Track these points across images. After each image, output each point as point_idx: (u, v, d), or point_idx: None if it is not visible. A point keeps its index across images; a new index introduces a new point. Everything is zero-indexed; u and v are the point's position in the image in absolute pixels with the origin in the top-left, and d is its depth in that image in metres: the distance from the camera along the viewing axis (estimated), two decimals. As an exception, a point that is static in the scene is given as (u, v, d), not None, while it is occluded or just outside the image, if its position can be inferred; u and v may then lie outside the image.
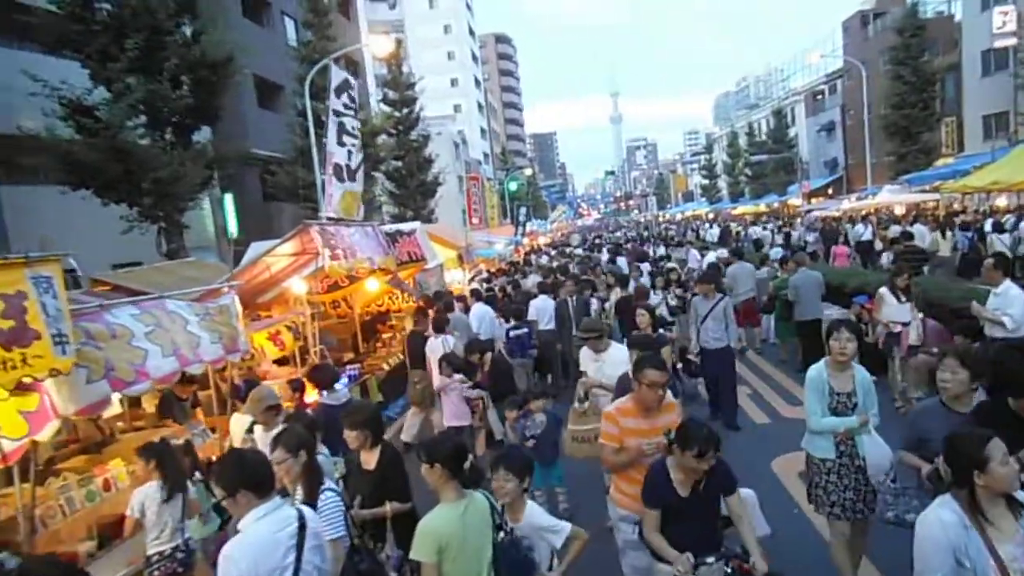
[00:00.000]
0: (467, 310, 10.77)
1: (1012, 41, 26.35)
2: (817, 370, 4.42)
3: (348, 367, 10.23)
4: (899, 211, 25.90)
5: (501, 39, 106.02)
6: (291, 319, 8.25)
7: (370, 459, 3.96)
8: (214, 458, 5.52)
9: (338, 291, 10.90)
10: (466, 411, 6.97)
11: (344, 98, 7.99)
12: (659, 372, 3.84)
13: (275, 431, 4.12)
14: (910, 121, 30.69)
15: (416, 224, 14.04)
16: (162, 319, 4.92)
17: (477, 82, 78.38)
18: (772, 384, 9.66)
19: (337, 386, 6.55)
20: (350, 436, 3.91)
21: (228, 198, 20.83)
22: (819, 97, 51.93)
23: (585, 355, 6.10)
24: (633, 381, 3.98)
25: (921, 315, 7.62)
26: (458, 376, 7.11)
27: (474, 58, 79.29)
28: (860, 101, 36.20)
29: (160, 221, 12.45)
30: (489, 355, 7.18)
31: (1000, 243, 14.17)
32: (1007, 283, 6.18)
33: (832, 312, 10.20)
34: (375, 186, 24.41)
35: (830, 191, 43.56)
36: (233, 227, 20.95)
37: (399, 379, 10.84)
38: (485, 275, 18.75)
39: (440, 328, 8.27)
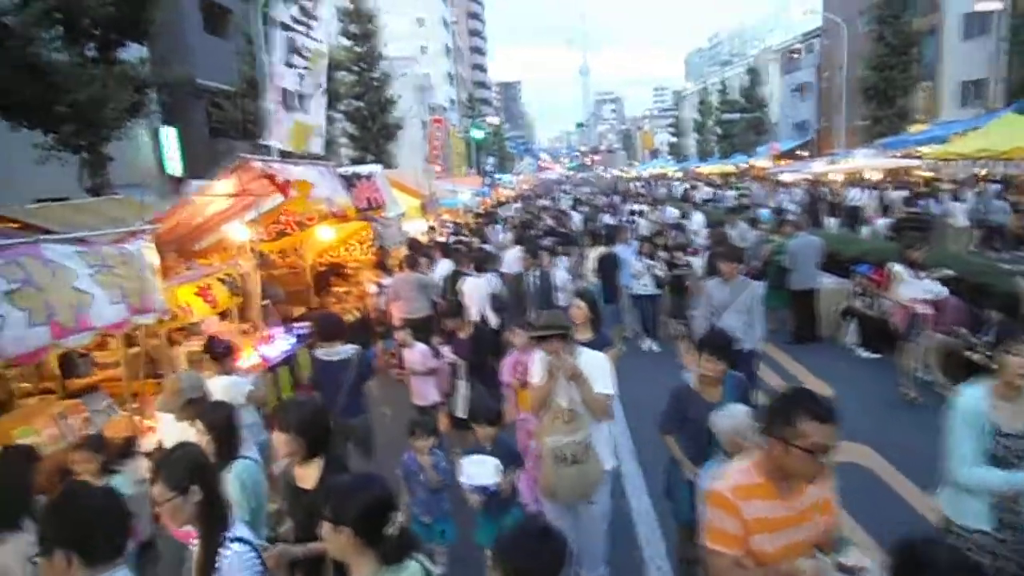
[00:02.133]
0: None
1: (998, 5, 25.63)
2: (973, 398, 3.01)
3: (296, 325, 9.09)
4: (874, 176, 25.37)
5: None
6: (225, 270, 7.02)
7: (306, 475, 2.91)
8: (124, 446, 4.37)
9: (286, 239, 9.63)
10: (431, 389, 5.94)
11: (294, 9, 6.65)
12: (823, 426, 2.26)
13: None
14: (888, 84, 29.96)
15: (376, 167, 12.71)
16: (34, 273, 3.71)
17: (445, 23, 75.06)
18: (763, 358, 8.81)
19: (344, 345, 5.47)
20: (279, 440, 2.85)
21: (168, 131, 19.09)
22: (795, 56, 51.01)
23: (538, 363, 3.93)
24: (762, 436, 2.46)
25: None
26: (420, 347, 6.06)
27: (443, -2, 75.74)
28: (836, 62, 35.45)
29: (82, 151, 10.87)
30: (469, 320, 6.11)
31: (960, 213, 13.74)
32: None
33: (829, 282, 9.46)
34: (332, 126, 22.68)
35: (806, 153, 43.04)
36: (176, 164, 19.24)
37: (357, 338, 9.75)
38: (451, 227, 17.51)
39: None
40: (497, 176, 47.51)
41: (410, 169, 25.88)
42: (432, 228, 15.12)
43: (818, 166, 30.46)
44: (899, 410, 6.61)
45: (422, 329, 7.85)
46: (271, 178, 6.17)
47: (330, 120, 25.06)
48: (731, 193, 29.13)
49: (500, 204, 30.14)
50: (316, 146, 7.46)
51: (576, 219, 18.13)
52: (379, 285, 9.62)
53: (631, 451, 6.16)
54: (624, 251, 10.16)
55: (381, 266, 10.00)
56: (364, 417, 5.49)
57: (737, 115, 45.25)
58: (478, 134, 48.45)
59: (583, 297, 5.06)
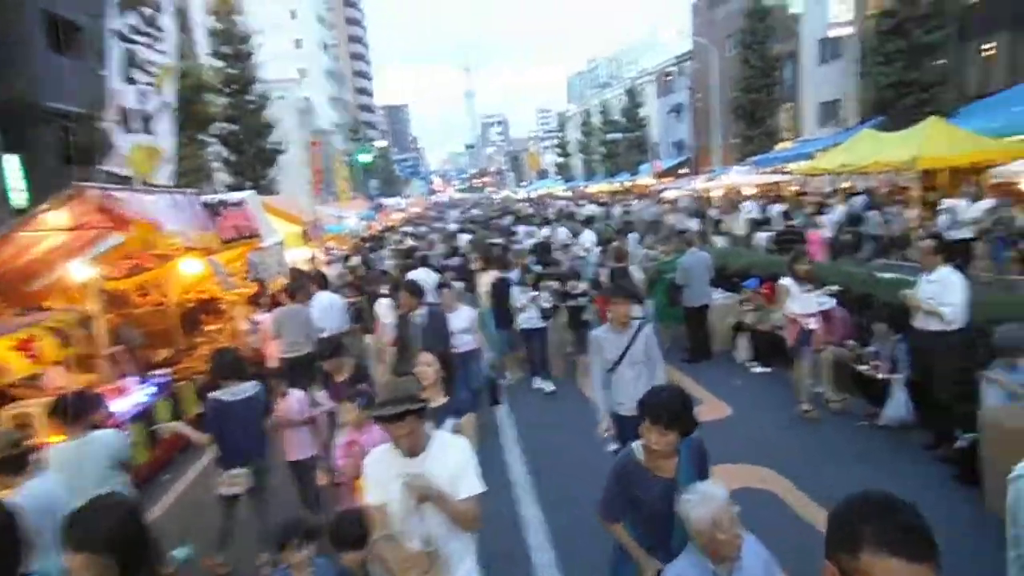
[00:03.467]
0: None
1: (847, 31, 27.83)
2: None
3: (156, 372, 8.05)
4: (748, 191, 26.69)
5: (349, 2, 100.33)
6: (53, 318, 6.01)
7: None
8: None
9: (145, 274, 8.56)
10: (307, 440, 5.25)
11: (133, 18, 5.82)
12: (911, 567, 1.43)
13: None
14: (756, 105, 31.89)
15: (247, 193, 11.76)
16: None
17: (324, 46, 73.37)
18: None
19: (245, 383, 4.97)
20: (73, 564, 2.14)
21: (10, 159, 17.20)
22: (669, 78, 53.51)
23: (377, 466, 2.86)
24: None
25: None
26: (296, 393, 5.37)
27: (320, 19, 74.03)
28: (708, 83, 37.41)
29: None
30: (346, 360, 5.44)
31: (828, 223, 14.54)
32: (946, 269, 5.44)
33: (718, 297, 9.50)
34: (203, 150, 21.21)
35: (686, 171, 44.97)
36: (20, 195, 17.26)
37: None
38: (336, 254, 16.61)
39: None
40: (383, 200, 46.50)
41: (291, 195, 24.68)
42: (313, 257, 14.20)
43: (698, 183, 31.79)
44: (797, 427, 6.57)
45: (304, 369, 7.13)
46: (108, 212, 5.31)
47: (202, 144, 23.58)
48: (617, 210, 29.72)
49: (388, 229, 29.32)
50: (164, 173, 6.59)
51: (463, 241, 17.65)
52: (252, 322, 8.74)
53: (534, 497, 5.72)
54: (513, 278, 9.39)
55: (254, 300, 9.11)
56: (265, 460, 5.07)
57: (619, 135, 46.77)
58: (365, 158, 47.37)
59: (432, 350, 4.23)
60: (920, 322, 5.50)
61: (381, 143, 74.27)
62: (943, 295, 5.27)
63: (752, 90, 31.83)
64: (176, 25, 6.45)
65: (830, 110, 30.46)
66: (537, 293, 8.59)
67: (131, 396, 7.20)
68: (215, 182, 26.52)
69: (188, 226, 6.90)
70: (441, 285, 7.92)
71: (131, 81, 5.81)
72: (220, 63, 26.10)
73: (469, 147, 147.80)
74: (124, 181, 6.29)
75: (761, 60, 31.64)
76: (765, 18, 31.74)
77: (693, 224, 21.63)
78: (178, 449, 7.37)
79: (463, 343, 6.89)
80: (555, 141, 78.70)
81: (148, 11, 5.94)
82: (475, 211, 46.87)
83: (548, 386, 8.57)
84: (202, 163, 20.30)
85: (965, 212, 12.07)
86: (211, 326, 10.73)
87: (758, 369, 8.37)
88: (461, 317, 7.02)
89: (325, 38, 75.28)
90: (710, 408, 7.21)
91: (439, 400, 4.02)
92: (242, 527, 4.95)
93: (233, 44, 26.06)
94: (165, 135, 6.35)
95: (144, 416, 7.09)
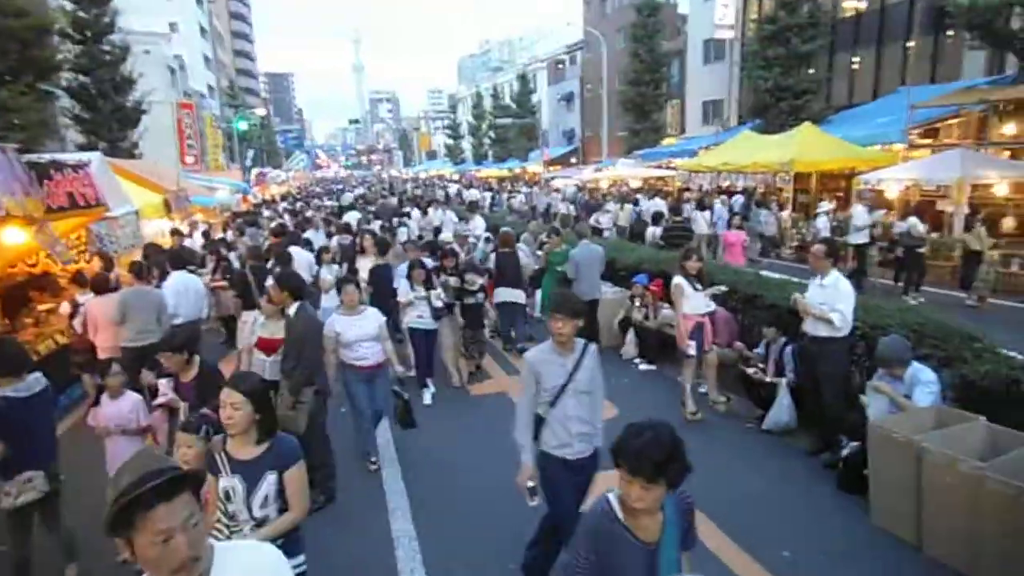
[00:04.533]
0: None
1: (730, 34, 28.94)
2: None
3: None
4: (634, 184, 27.25)
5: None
6: None
7: None
8: None
9: (-56, 247, 7.16)
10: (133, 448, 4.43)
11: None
12: None
13: None
14: (644, 99, 32.64)
15: (93, 155, 10.31)
16: None
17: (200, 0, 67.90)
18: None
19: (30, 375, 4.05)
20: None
21: None
22: (560, 67, 53.92)
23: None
24: None
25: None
26: (130, 396, 4.52)
27: (196, -29, 68.39)
28: (598, 75, 37.90)
29: None
30: (196, 358, 4.61)
31: (703, 221, 14.91)
32: (835, 274, 5.40)
33: (607, 291, 9.34)
34: (46, 102, 18.74)
35: (573, 160, 45.51)
36: None
37: (58, 370, 7.59)
38: (201, 227, 15.15)
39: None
40: (264, 170, 43.77)
41: (157, 160, 22.42)
42: (176, 231, 12.80)
43: (586, 173, 32.15)
44: (682, 429, 6.29)
45: (153, 361, 6.18)
46: None
47: (47, 96, 20.85)
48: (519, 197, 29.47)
49: (265, 203, 27.47)
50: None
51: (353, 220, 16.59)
52: (74, 304, 7.58)
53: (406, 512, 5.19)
54: (396, 270, 8.52)
55: (77, 279, 7.92)
56: (58, 465, 4.18)
57: (509, 120, 46.59)
58: (243, 125, 44.24)
59: (239, 387, 2.88)
60: (809, 327, 5.45)
61: (261, 111, 69.79)
62: (834, 301, 5.23)
63: (640, 84, 32.53)
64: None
65: (713, 109, 31.66)
66: (424, 292, 7.45)
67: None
68: (67, 141, 23.68)
69: (3, 189, 5.73)
70: (342, 282, 6.19)
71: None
72: (71, 5, 23.15)
73: (354, 122, 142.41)
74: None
75: (650, 55, 32.36)
76: (654, 14, 32.42)
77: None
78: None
79: (370, 355, 5.68)
80: (446, 122, 77.55)
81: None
82: (360, 189, 45.20)
83: (428, 398, 7.62)
84: (45, 117, 17.87)
85: (862, 218, 12.30)
86: (43, 305, 9.32)
87: (644, 367, 8.27)
88: (368, 322, 5.69)
89: (201, -9, 69.72)
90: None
91: (251, 451, 2.89)
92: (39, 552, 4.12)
93: (87, -15, 23.19)
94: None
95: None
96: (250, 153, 32.10)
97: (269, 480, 2.85)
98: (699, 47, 32.47)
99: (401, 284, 7.70)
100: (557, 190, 30.44)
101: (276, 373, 5.30)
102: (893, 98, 20.12)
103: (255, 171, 40.12)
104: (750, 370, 6.24)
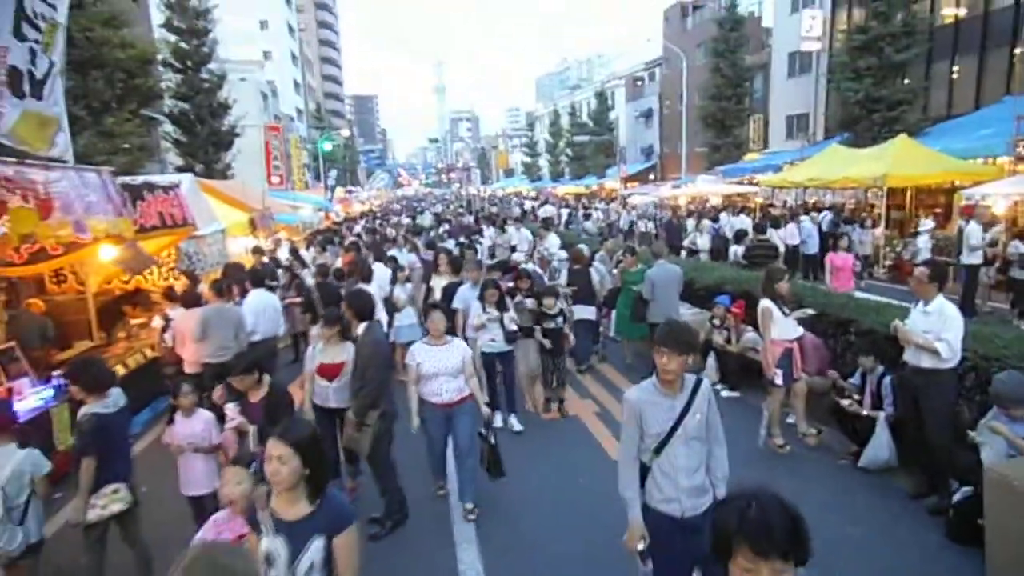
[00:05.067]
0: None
1: (817, 45, 27.86)
2: None
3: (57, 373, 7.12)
4: (715, 200, 26.46)
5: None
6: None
7: None
8: None
9: (45, 262, 7.58)
10: (211, 470, 4.46)
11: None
12: None
13: None
14: (725, 114, 31.79)
15: (183, 177, 10.83)
16: None
17: (291, 29, 71.46)
18: (621, 396, 7.96)
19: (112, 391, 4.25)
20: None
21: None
22: (639, 83, 53.41)
23: None
24: None
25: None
26: (202, 414, 4.57)
27: (287, 2, 72.08)
28: (677, 91, 37.24)
29: None
30: (266, 378, 4.62)
31: (777, 239, 14.13)
32: (941, 299, 4.91)
33: (686, 313, 8.95)
34: (147, 128, 19.95)
35: (651, 177, 44.85)
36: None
37: (146, 383, 7.92)
38: (286, 244, 15.64)
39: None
40: (349, 189, 45.29)
41: (248, 181, 23.50)
42: (257, 249, 13.23)
43: (665, 190, 31.51)
44: (770, 461, 6.01)
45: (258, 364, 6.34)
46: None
47: (149, 122, 22.28)
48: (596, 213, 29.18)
49: (346, 220, 28.27)
50: (60, 145, 5.70)
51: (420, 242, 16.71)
52: (165, 318, 7.87)
53: (472, 543, 5.03)
54: (468, 291, 7.76)
55: (168, 294, 8.22)
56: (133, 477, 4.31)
57: (587, 138, 46.40)
58: (327, 146, 45.98)
59: (286, 438, 2.56)
60: (911, 356, 4.97)
61: (346, 132, 72.42)
62: (939, 329, 4.75)
63: (721, 99, 31.73)
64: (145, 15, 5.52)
65: (798, 123, 30.49)
66: (497, 312, 6.97)
67: (21, 401, 6.29)
68: (166, 163, 25.20)
69: (95, 210, 6.01)
70: (430, 307, 5.77)
71: (20, 37, 4.91)
72: (173, 37, 24.73)
73: (433, 141, 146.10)
74: (17, 154, 5.36)
75: (732, 70, 31.55)
76: (736, 28, 31.64)
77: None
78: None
79: (446, 391, 5.20)
80: (523, 140, 78.13)
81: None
82: (438, 207, 45.99)
83: (516, 423, 7.22)
84: (146, 142, 19.01)
85: (977, 236, 11.11)
86: (136, 319, 9.77)
87: (726, 393, 7.83)
88: (451, 354, 5.23)
89: (292, 20, 73.36)
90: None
91: (298, 511, 2.60)
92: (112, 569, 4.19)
93: (187, 18, 24.70)
94: (52, 100, 5.44)
95: (37, 424, 6.19)
96: (332, 173, 33.27)
97: (316, 546, 2.54)
98: (784, 60, 31.39)
99: (473, 305, 7.23)
100: (634, 207, 29.94)
101: (341, 399, 5.24)
102: (997, 108, 18.73)
103: (339, 190, 41.51)
104: (845, 402, 5.74)
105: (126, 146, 17.28)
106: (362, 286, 8.99)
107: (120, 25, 17.85)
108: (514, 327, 7.05)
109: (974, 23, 21.85)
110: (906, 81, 21.89)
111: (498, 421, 7.03)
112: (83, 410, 4.04)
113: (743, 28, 32.13)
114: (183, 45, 24.77)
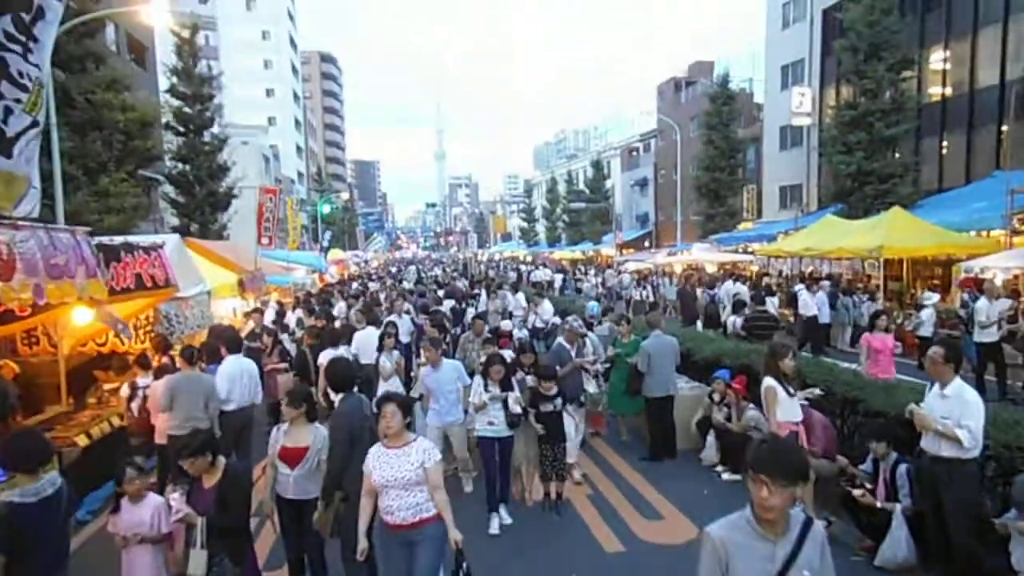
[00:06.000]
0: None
1: (807, 120, 28.41)
2: None
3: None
4: (711, 269, 26.38)
5: (327, 58, 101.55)
6: None
7: None
8: None
9: (12, 323, 7.22)
10: (157, 564, 4.00)
11: (6, 23, 4.83)
12: None
13: None
14: (719, 184, 32.21)
15: (168, 237, 10.62)
16: None
17: (296, 96, 73.30)
18: (617, 479, 7.49)
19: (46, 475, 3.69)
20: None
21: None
22: (634, 153, 54.42)
23: None
24: None
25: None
26: (152, 499, 4.15)
27: (294, 71, 74.19)
28: (671, 161, 37.82)
29: None
30: (221, 460, 4.20)
31: (771, 307, 13.91)
32: (959, 382, 4.58)
33: (683, 386, 8.59)
34: (142, 188, 19.95)
35: (646, 244, 45.07)
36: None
37: (111, 454, 7.42)
38: (273, 306, 15.31)
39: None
40: (355, 254, 45.43)
41: (245, 242, 23.43)
42: (258, 310, 12.90)
43: (660, 257, 31.52)
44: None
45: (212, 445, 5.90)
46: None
47: (148, 182, 22.34)
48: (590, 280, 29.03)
49: (340, 282, 28.07)
50: (28, 205, 5.45)
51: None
52: (133, 387, 7.47)
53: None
54: (429, 374, 6.89)
55: (140, 361, 7.82)
56: None
57: (583, 204, 46.88)
58: (325, 209, 46.35)
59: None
60: (929, 444, 4.60)
61: (345, 195, 73.38)
62: (959, 415, 4.40)
63: (715, 169, 32.22)
64: (52, 36, 5.38)
65: (791, 194, 30.80)
66: (498, 391, 6.26)
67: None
68: (164, 223, 25.14)
69: (61, 272, 5.71)
70: (381, 400, 4.42)
71: (-7, 95, 4.74)
72: (177, 102, 25.11)
73: (431, 205, 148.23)
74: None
75: (725, 142, 32.16)
76: (728, 103, 32.40)
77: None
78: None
79: (401, 508, 4.04)
80: (521, 206, 79.09)
81: (27, 16, 4.95)
82: (436, 270, 45.96)
83: (506, 516, 6.39)
84: (140, 202, 18.94)
85: (989, 311, 10.40)
86: (110, 384, 9.34)
87: (727, 476, 7.37)
88: (410, 458, 4.08)
89: (298, 89, 75.32)
90: (674, 527, 6.15)
91: None
92: None
93: (192, 84, 25.13)
94: (23, 159, 5.21)
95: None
96: (327, 234, 33.42)
97: None
98: (775, 133, 31.99)
99: (474, 383, 6.50)
100: (636, 272, 29.87)
101: (303, 490, 4.69)
102: (989, 183, 18.90)
103: (336, 251, 41.56)
104: (857, 492, 5.27)
105: (120, 206, 17.19)
106: (338, 352, 8.68)
107: (121, 88, 18.07)
108: (518, 409, 6.25)
109: (961, 101, 22.32)
110: (897, 155, 22.19)
111: (495, 527, 6.20)
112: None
113: (735, 103, 32.89)
114: (187, 109, 25.10)
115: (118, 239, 8.03)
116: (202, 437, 4.23)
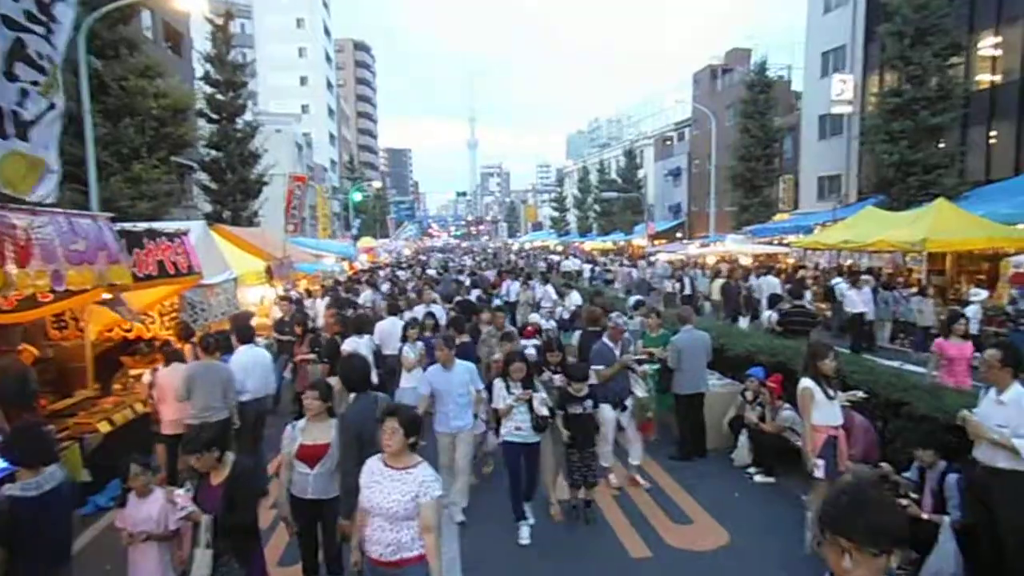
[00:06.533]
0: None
1: (848, 109, 27.51)
2: None
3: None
4: (745, 261, 25.79)
5: (360, 46, 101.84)
6: None
7: None
8: None
9: (35, 309, 7.20)
10: (164, 560, 3.89)
11: (28, 2, 4.72)
12: None
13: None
14: (754, 174, 31.44)
15: (195, 224, 10.61)
16: None
17: (330, 84, 73.71)
18: (645, 479, 7.17)
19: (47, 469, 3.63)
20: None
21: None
22: (668, 143, 53.56)
23: None
24: None
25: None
26: (157, 494, 4.02)
27: (328, 59, 74.57)
28: (706, 151, 37.05)
29: None
30: (229, 456, 4.05)
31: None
32: (1019, 387, 4.24)
33: (715, 384, 8.28)
34: (174, 175, 20.14)
35: (678, 235, 44.40)
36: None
37: (133, 441, 7.40)
38: (294, 295, 15.27)
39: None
40: (375, 241, 45.55)
41: (272, 228, 23.57)
42: (286, 298, 12.90)
43: (693, 248, 30.97)
44: (814, 567, 5.22)
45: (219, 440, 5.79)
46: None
47: (180, 169, 22.59)
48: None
49: (371, 270, 28.13)
50: (46, 189, 5.38)
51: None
52: (155, 372, 7.42)
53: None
54: (438, 374, 6.29)
55: (164, 349, 7.75)
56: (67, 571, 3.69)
57: (615, 194, 46.31)
58: (357, 197, 46.53)
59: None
60: (984, 455, 4.28)
61: (377, 184, 73.67)
62: (1018, 424, 4.06)
63: (751, 159, 31.45)
64: (71, 19, 5.27)
65: (829, 185, 29.94)
66: (520, 391, 5.78)
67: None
68: (199, 210, 25.43)
69: (81, 259, 5.65)
70: (383, 416, 3.82)
71: (12, 77, 4.65)
72: (211, 89, 25.30)
73: (461, 194, 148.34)
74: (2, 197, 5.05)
75: (761, 131, 31.36)
76: (766, 91, 31.58)
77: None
78: None
79: (384, 542, 3.49)
80: (553, 195, 78.60)
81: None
82: (467, 259, 45.90)
83: (523, 533, 5.85)
84: (172, 188, 19.11)
85: None
86: (136, 370, 9.37)
87: (760, 478, 7.07)
88: (398, 489, 3.49)
89: (331, 77, 75.70)
90: (703, 532, 5.89)
91: None
92: None
93: (225, 71, 25.28)
94: (43, 142, 5.13)
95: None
96: (356, 222, 33.47)
97: None
98: (814, 122, 31.06)
99: (495, 387, 6.05)
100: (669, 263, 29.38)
101: (323, 490, 4.48)
102: (1041, 174, 18.08)
103: (367, 238, 41.76)
104: (902, 501, 4.94)
105: (152, 192, 17.33)
106: (362, 341, 8.55)
107: (155, 75, 18.18)
108: (545, 411, 5.76)
109: (1011, 88, 21.35)
110: (941, 145, 21.33)
111: (524, 537, 5.81)
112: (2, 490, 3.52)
113: (772, 91, 32.02)
114: (219, 96, 25.27)
115: (142, 225, 8.00)
116: (211, 432, 4.11)
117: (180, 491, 3.85)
